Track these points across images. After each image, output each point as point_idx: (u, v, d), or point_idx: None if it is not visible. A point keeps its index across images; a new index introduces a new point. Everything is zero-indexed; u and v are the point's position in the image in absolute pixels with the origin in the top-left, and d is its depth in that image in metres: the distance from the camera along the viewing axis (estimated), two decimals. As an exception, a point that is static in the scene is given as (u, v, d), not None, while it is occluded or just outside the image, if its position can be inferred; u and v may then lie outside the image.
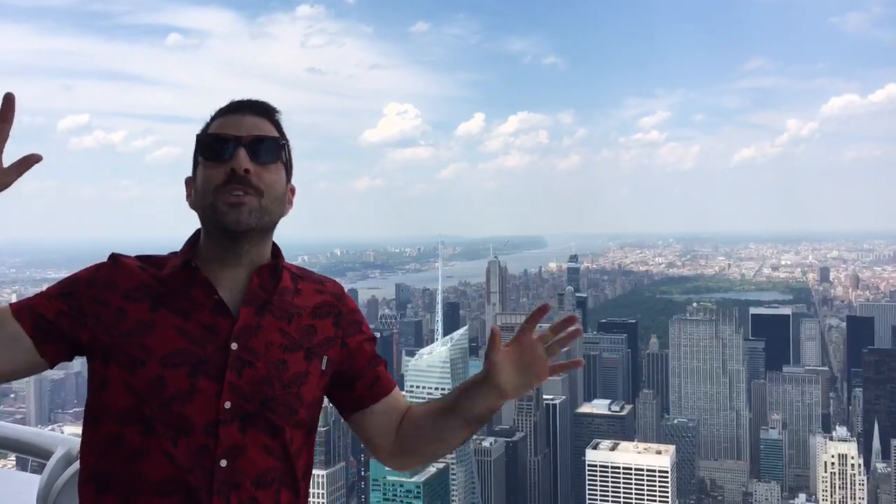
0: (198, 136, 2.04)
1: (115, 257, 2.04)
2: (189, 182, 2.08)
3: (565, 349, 2.15)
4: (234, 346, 1.90)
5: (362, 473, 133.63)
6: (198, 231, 2.10)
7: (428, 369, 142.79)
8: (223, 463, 1.84)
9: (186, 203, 2.08)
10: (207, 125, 2.06)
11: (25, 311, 1.94)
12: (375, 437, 2.23)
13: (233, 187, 1.95)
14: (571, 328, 2.17)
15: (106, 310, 1.92)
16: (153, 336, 1.88)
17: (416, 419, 2.23)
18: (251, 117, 2.03)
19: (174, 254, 2.07)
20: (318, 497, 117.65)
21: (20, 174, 1.94)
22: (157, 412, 1.83)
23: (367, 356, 2.21)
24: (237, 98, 2.09)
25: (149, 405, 1.83)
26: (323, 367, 2.05)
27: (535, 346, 2.15)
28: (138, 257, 2.08)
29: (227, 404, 1.85)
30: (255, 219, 1.96)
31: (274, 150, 2.03)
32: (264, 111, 2.07)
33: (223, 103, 2.10)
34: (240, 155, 1.96)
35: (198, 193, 2.01)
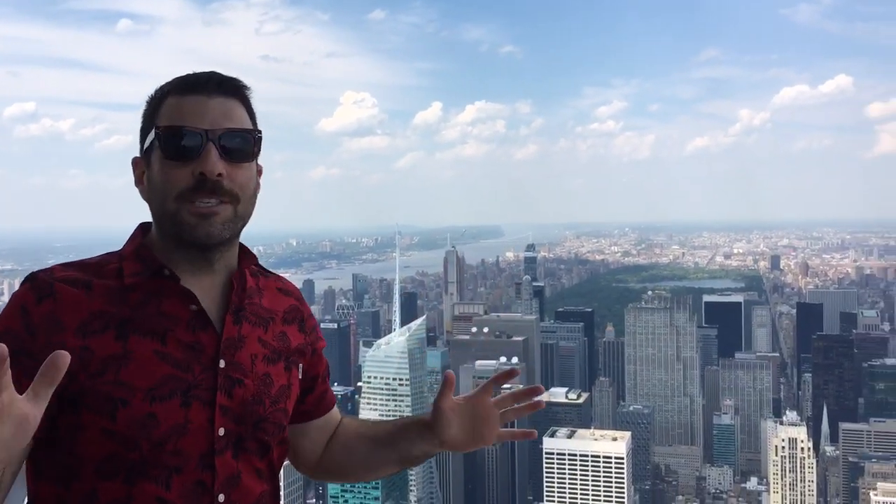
0: (156, 124, 1.70)
1: (39, 287, 1.62)
2: (138, 164, 1.77)
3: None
4: (221, 363, 1.67)
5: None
6: (146, 224, 1.83)
7: (386, 360, 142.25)
8: (221, 498, 1.65)
9: (136, 189, 1.78)
10: (159, 100, 1.73)
11: None
12: (304, 451, 2.10)
13: (202, 195, 1.66)
14: (534, 399, 2.08)
15: None
16: (130, 369, 1.58)
17: (349, 441, 2.12)
18: (219, 98, 1.71)
19: (113, 254, 1.75)
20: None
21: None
22: (147, 455, 1.58)
23: (323, 367, 2.05)
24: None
25: (137, 450, 1.57)
26: (300, 377, 1.89)
27: (489, 410, 2.04)
28: (64, 271, 1.67)
29: (221, 431, 1.65)
30: (228, 230, 1.72)
31: (250, 145, 1.75)
32: (233, 89, 1.75)
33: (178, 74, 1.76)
34: (211, 156, 1.66)
35: (155, 194, 1.71)
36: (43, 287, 1.61)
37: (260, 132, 1.77)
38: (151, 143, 1.70)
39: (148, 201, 1.74)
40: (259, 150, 1.77)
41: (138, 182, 1.76)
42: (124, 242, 1.79)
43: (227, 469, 1.65)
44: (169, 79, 1.73)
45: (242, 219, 1.75)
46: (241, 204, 1.73)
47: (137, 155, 1.78)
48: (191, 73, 1.75)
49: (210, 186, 1.65)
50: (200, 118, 1.67)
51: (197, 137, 1.65)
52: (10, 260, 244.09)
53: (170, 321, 1.66)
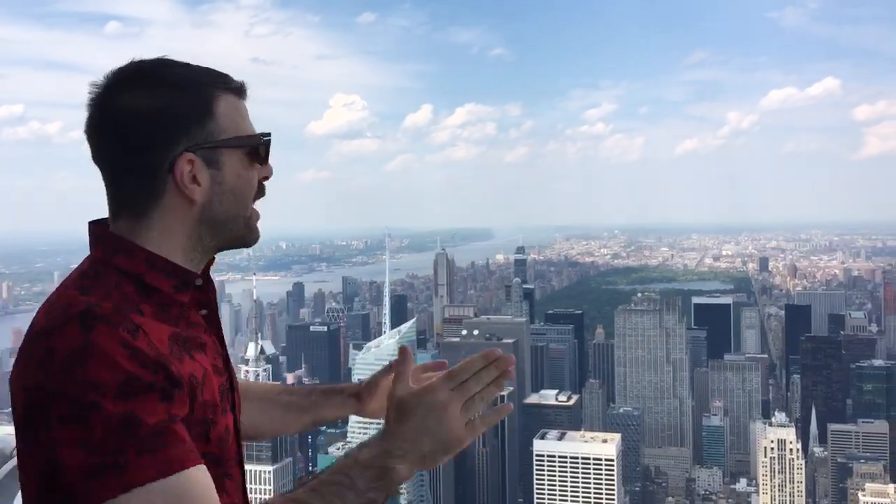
0: (220, 125, 1.58)
1: (119, 322, 1.39)
2: (191, 162, 1.56)
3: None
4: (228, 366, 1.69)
5: (310, 468, 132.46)
6: (101, 224, 1.63)
7: (376, 363, 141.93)
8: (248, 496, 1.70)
9: (184, 188, 1.56)
10: (209, 95, 1.59)
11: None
12: None
13: (259, 199, 1.71)
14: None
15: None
16: (207, 386, 1.53)
17: (265, 406, 2.15)
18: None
19: (110, 270, 1.52)
20: (266, 494, 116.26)
21: None
22: (227, 468, 1.58)
23: None
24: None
25: (223, 465, 1.56)
26: None
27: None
28: (110, 300, 1.45)
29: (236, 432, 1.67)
30: None
31: None
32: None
33: (223, 68, 1.69)
34: (269, 161, 1.71)
35: (232, 196, 1.63)
36: (123, 322, 1.41)
37: None
38: (233, 143, 1.61)
39: (210, 204, 1.61)
40: None
41: (189, 182, 1.57)
42: (98, 247, 1.59)
43: (243, 469, 1.67)
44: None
45: None
46: None
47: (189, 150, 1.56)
48: (225, 72, 1.68)
49: (264, 191, 1.71)
50: (252, 122, 1.68)
51: (269, 141, 1.68)
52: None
53: (199, 330, 1.62)
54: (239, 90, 1.66)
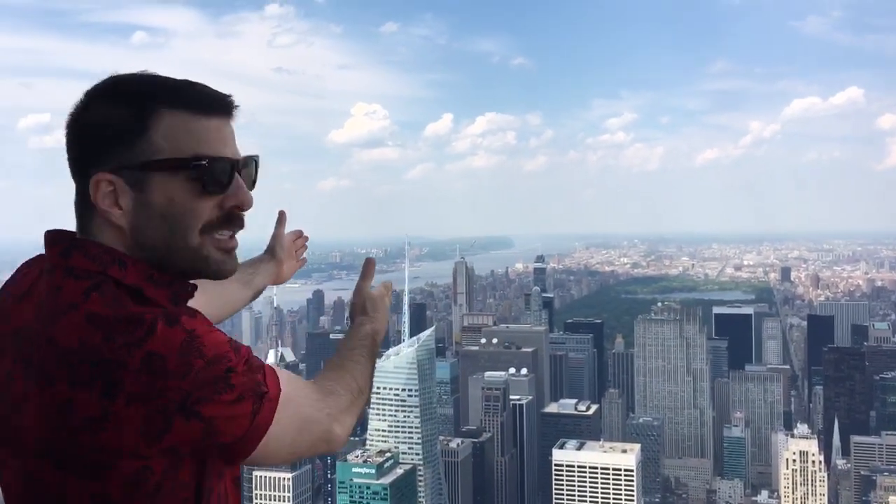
0: (155, 145, 1.49)
1: (195, 316, 1.50)
2: (104, 183, 1.51)
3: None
4: None
5: (328, 476, 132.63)
6: (74, 236, 1.60)
7: (395, 371, 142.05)
8: None
9: (102, 210, 1.53)
10: (150, 110, 1.50)
11: None
12: None
13: (229, 231, 1.61)
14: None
15: None
16: None
17: (224, 292, 2.36)
18: (229, 123, 1.60)
19: (108, 283, 1.51)
20: (285, 501, 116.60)
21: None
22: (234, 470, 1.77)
23: None
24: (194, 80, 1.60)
25: (232, 462, 1.70)
26: None
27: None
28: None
29: None
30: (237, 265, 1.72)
31: (255, 173, 1.70)
32: (233, 110, 1.62)
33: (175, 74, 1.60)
34: (244, 188, 1.60)
35: (165, 224, 1.54)
36: (186, 310, 1.51)
37: (259, 158, 1.71)
38: (164, 165, 1.51)
39: (136, 229, 1.54)
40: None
41: (108, 204, 1.52)
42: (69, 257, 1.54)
43: None
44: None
45: None
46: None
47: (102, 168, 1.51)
48: (177, 79, 1.58)
49: (238, 221, 1.62)
50: (223, 144, 1.57)
51: (227, 167, 1.56)
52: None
53: None
54: (198, 105, 1.54)
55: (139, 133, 1.49)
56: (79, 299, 1.47)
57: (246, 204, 1.60)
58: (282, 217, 2.65)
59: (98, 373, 1.39)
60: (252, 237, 1.79)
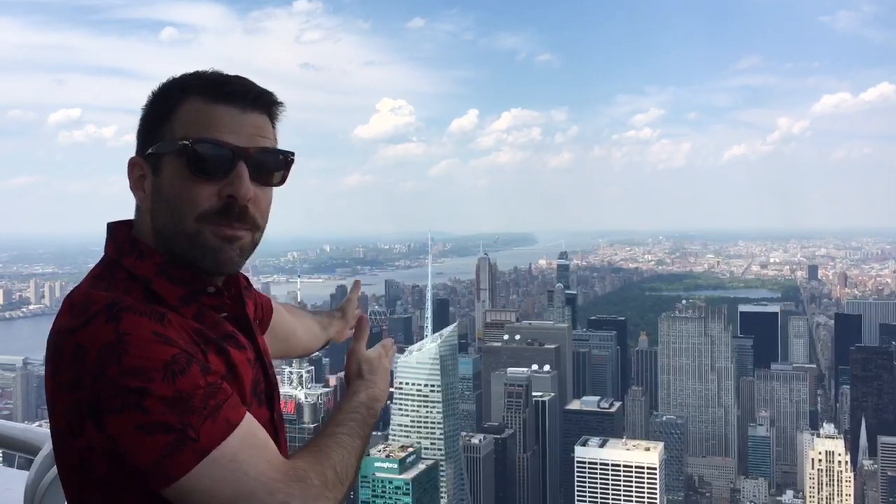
0: (173, 128, 1.56)
1: (145, 312, 1.47)
2: (137, 167, 1.62)
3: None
4: None
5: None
6: (124, 227, 1.67)
7: (417, 366, 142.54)
8: None
9: (133, 192, 1.64)
10: (177, 99, 1.57)
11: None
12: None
13: (226, 220, 1.57)
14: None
15: None
16: (234, 382, 1.64)
17: (303, 329, 2.54)
18: (253, 114, 1.59)
19: (121, 274, 1.58)
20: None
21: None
22: None
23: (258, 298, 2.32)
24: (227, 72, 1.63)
25: None
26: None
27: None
28: (129, 296, 1.53)
29: None
30: (242, 261, 1.65)
31: (282, 168, 1.66)
32: (267, 105, 1.63)
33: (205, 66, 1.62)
34: (243, 178, 1.56)
35: (168, 208, 1.57)
36: (149, 311, 1.47)
37: (293, 155, 1.67)
38: (166, 148, 1.56)
39: (152, 213, 1.60)
40: (289, 174, 1.69)
41: (136, 187, 1.61)
42: (112, 248, 1.64)
43: None
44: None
45: (254, 249, 1.67)
46: (259, 233, 1.65)
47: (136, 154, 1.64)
48: (215, 72, 1.61)
49: (237, 213, 1.57)
50: (233, 133, 1.55)
51: (227, 153, 1.54)
52: (52, 264, 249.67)
53: (225, 326, 1.67)
54: (215, 93, 1.56)
55: (165, 121, 1.56)
56: (83, 284, 1.56)
57: (239, 194, 1.55)
58: (356, 285, 2.85)
59: (49, 356, 1.46)
60: (267, 231, 1.71)
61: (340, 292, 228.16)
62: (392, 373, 2.08)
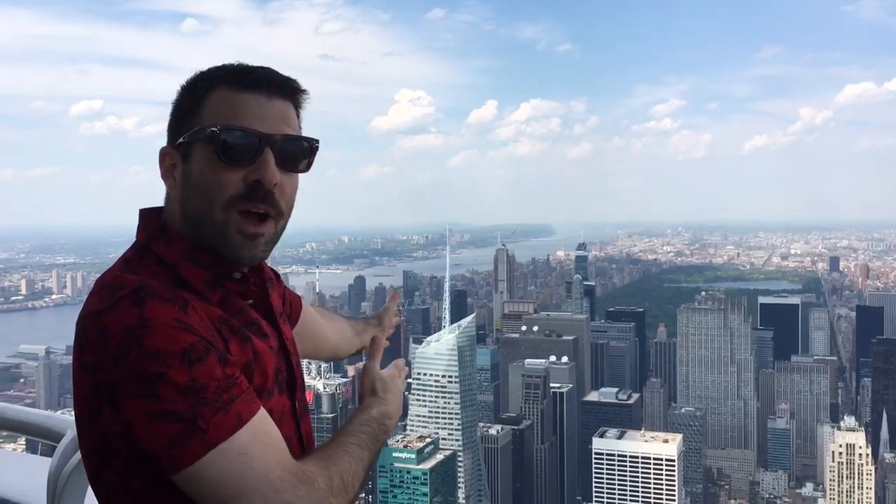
0: (202, 118, 1.62)
1: (169, 298, 1.52)
2: (168, 156, 1.68)
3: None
4: None
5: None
6: (155, 215, 1.74)
7: (435, 357, 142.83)
8: None
9: (164, 181, 1.70)
10: (205, 90, 1.64)
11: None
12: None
13: (253, 205, 1.61)
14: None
15: None
16: (256, 370, 1.69)
17: (336, 333, 2.58)
18: (278, 101, 1.65)
19: (149, 259, 1.65)
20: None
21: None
22: None
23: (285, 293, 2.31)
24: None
25: None
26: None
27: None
28: (154, 280, 1.58)
29: None
30: (267, 253, 1.71)
31: (307, 155, 1.70)
32: (291, 92, 1.69)
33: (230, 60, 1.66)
34: (269, 162, 1.61)
35: (197, 195, 1.63)
36: (174, 297, 1.52)
37: (318, 142, 1.72)
38: (195, 137, 1.61)
39: (181, 200, 1.66)
40: (313, 161, 1.73)
41: (167, 175, 1.68)
42: (145, 237, 1.69)
43: None
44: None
45: (278, 238, 1.71)
46: (283, 221, 1.69)
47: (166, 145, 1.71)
48: (240, 63, 1.66)
49: (262, 195, 1.61)
50: (259, 120, 1.60)
51: (254, 140, 1.59)
52: (73, 254, 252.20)
53: (249, 313, 1.72)
54: (240, 82, 1.62)
55: (194, 111, 1.62)
56: (114, 267, 1.63)
57: (265, 179, 1.59)
58: (395, 296, 2.92)
59: (76, 338, 1.51)
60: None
61: (358, 283, 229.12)
62: (405, 396, 2.30)
